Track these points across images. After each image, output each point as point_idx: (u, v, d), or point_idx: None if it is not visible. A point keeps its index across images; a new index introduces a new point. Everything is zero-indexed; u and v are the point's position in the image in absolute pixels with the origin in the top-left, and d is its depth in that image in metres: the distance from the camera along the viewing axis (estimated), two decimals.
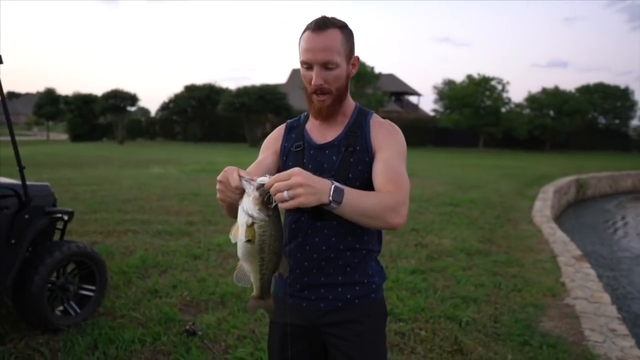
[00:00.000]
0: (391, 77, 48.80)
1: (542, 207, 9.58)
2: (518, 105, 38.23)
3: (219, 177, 1.19)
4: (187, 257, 4.86)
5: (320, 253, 1.45)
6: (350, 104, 1.51)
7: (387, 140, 1.43)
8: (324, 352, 1.53)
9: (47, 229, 3.29)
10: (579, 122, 37.01)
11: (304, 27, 1.40)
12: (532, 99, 38.00)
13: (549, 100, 36.85)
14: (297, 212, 1.47)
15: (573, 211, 13.89)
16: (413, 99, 52.58)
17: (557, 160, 25.35)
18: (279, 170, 1.55)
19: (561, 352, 3.17)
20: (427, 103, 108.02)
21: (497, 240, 6.50)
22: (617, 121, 41.18)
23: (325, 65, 1.37)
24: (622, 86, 41.53)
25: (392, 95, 45.42)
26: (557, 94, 37.03)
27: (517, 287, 4.48)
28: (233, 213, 1.40)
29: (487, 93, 36.18)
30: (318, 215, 1.43)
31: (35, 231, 3.10)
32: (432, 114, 43.13)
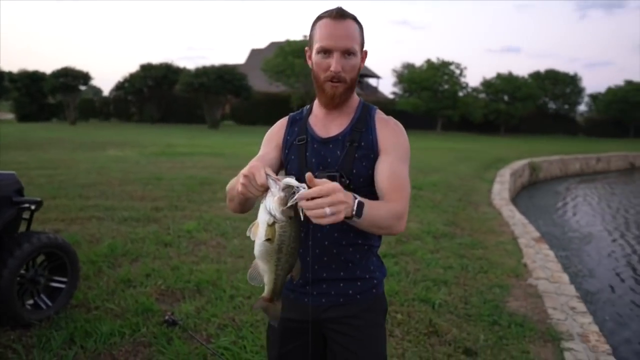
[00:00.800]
0: None
1: (501, 190, 9.95)
2: (474, 89, 39.24)
3: (244, 172, 1.18)
4: (158, 244, 4.78)
5: (323, 248, 1.47)
6: (355, 98, 1.52)
7: (392, 141, 1.45)
8: (323, 346, 1.55)
9: (14, 220, 3.14)
10: (531, 107, 38.44)
11: (317, 16, 1.41)
12: (487, 84, 39.08)
13: (503, 86, 38.01)
14: None
15: (527, 193, 14.50)
16: (372, 81, 52.92)
17: (511, 144, 26.29)
18: (281, 165, 1.55)
19: (528, 330, 3.35)
20: (387, 86, 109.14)
21: (460, 223, 6.72)
22: (566, 106, 43.05)
23: (347, 52, 1.38)
24: (571, 73, 43.27)
25: None
26: (510, 79, 38.22)
27: (483, 268, 4.67)
28: (241, 207, 1.40)
29: (445, 77, 36.88)
30: None
31: (3, 222, 2.97)
32: (391, 96, 43.57)
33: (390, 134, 1.46)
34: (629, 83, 42.37)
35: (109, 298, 3.46)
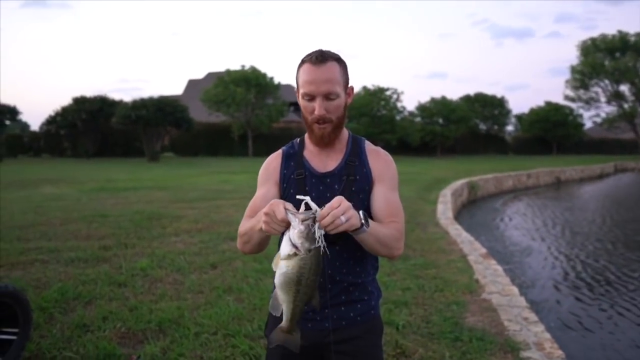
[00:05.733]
0: (290, 88, 49.45)
1: (445, 210, 10.37)
2: (410, 113, 40.91)
3: (264, 210, 1.27)
4: (111, 285, 4.58)
5: (326, 276, 1.51)
6: (345, 132, 1.60)
7: (385, 172, 1.56)
8: None
9: None
10: (464, 129, 40.52)
11: (301, 59, 1.48)
12: (422, 108, 40.88)
13: (437, 109, 39.92)
14: None
15: (467, 211, 15.16)
16: None
17: (448, 165, 27.47)
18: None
19: (488, 343, 3.51)
20: None
21: (411, 244, 6.92)
22: (495, 127, 45.76)
23: (327, 96, 1.45)
24: (497, 95, 46.23)
25: (292, 105, 46.11)
26: (444, 103, 40.23)
27: (439, 287, 4.84)
28: (259, 247, 1.49)
29: (383, 103, 38.22)
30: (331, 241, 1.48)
31: None
32: None
33: (382, 165, 1.57)
34: (548, 104, 45.80)
35: (66, 346, 3.28)
